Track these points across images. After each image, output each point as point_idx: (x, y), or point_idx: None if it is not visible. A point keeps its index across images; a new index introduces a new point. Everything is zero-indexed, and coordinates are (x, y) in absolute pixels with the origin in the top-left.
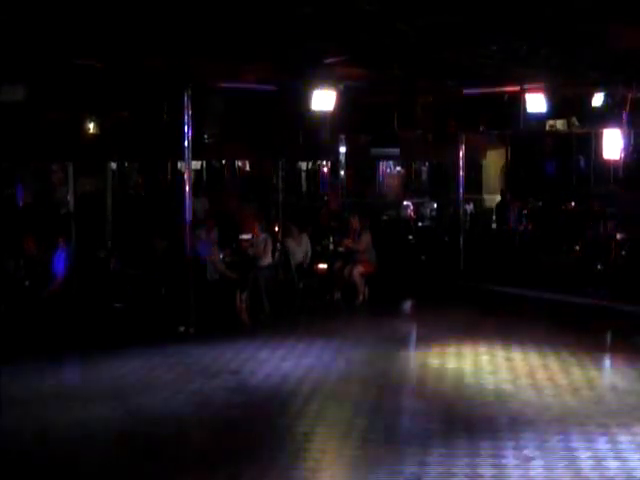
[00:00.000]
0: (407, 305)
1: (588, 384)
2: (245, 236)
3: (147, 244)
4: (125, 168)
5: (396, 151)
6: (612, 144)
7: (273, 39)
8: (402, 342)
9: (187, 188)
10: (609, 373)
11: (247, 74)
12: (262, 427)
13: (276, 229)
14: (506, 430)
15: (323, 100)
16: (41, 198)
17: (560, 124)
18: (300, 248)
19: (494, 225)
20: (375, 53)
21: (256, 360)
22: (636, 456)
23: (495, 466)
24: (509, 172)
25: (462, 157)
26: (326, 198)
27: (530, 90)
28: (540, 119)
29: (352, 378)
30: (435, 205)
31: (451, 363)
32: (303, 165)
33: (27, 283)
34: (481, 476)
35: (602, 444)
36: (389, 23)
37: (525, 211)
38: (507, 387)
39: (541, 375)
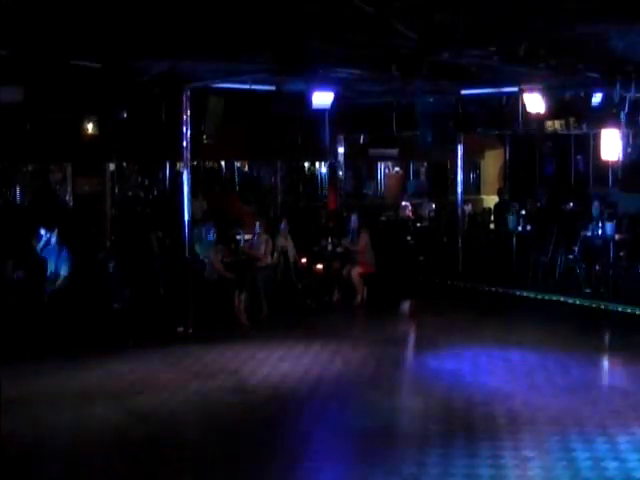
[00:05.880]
0: (405, 306)
1: (586, 384)
2: (245, 236)
3: (145, 242)
4: (124, 169)
5: (395, 152)
6: (611, 145)
7: (272, 39)
8: (400, 342)
9: (186, 189)
10: (607, 373)
11: (246, 74)
12: (261, 427)
13: (282, 229)
14: (505, 430)
15: (322, 100)
16: (40, 198)
17: (559, 124)
18: (290, 245)
19: (492, 225)
20: (373, 54)
21: (255, 360)
22: (635, 456)
23: (494, 466)
24: (507, 173)
25: (461, 158)
26: (325, 199)
27: (529, 90)
28: (538, 119)
29: (351, 378)
30: (434, 206)
31: (449, 363)
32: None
33: (26, 283)
34: (479, 476)
35: (601, 444)
36: (387, 24)
37: (523, 212)
38: (506, 387)
39: (539, 375)
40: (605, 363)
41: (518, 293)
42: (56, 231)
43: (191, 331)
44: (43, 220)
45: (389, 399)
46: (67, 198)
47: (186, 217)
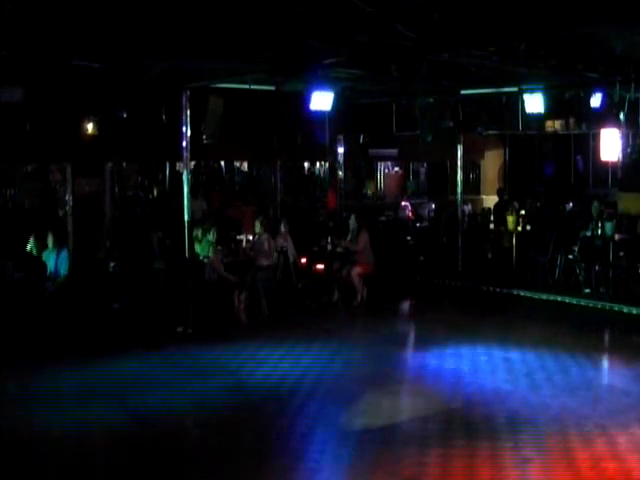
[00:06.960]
0: (405, 306)
1: (586, 384)
2: (245, 236)
3: (145, 242)
4: (124, 169)
5: (394, 151)
6: (610, 145)
7: (272, 39)
8: (400, 342)
9: (186, 189)
10: (607, 373)
11: (246, 74)
12: (261, 427)
13: (282, 229)
14: (505, 430)
15: (321, 101)
16: (40, 199)
17: (559, 124)
18: (289, 244)
19: (492, 225)
20: (373, 54)
21: (254, 360)
22: (634, 456)
23: (494, 466)
24: (507, 173)
25: (461, 158)
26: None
27: (528, 90)
28: (538, 120)
29: (350, 378)
30: (433, 206)
31: (449, 363)
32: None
33: (26, 283)
34: (479, 476)
35: (600, 444)
36: (387, 24)
37: (523, 212)
38: (505, 387)
39: (539, 375)
40: (605, 363)
41: (518, 293)
42: (55, 232)
43: (191, 331)
44: (43, 221)
45: (389, 399)
46: (67, 198)
47: (186, 217)
